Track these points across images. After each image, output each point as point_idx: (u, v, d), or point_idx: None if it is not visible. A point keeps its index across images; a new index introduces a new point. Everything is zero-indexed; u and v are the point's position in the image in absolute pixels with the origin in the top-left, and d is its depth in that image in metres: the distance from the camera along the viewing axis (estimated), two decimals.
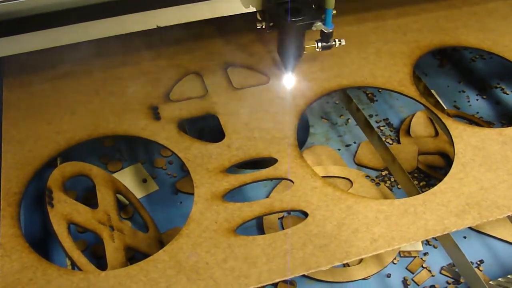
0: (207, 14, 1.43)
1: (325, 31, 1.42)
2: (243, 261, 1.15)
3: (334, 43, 1.46)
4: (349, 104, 1.62)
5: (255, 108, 1.47)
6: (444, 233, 1.21)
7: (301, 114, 1.47)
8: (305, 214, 1.24)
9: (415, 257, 1.49)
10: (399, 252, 1.50)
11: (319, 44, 1.46)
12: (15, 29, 1.29)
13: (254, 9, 1.44)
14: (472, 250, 1.50)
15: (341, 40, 1.47)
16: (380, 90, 1.92)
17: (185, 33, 1.64)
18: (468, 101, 1.93)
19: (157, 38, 1.63)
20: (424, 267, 1.47)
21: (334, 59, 1.60)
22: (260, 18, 1.45)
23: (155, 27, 1.40)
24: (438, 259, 1.49)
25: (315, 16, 1.39)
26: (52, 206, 1.25)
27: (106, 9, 1.31)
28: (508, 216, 1.27)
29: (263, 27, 1.45)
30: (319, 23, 1.40)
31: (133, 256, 1.40)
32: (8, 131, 1.40)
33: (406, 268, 1.47)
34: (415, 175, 1.67)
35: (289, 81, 1.53)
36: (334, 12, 1.38)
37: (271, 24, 1.44)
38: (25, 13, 1.25)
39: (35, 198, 1.52)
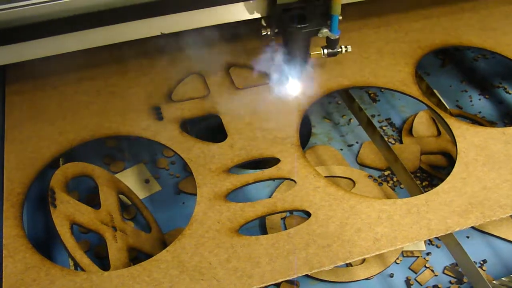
0: (212, 21, 1.42)
1: (331, 38, 1.41)
2: (246, 261, 1.15)
3: (340, 49, 1.45)
4: (351, 104, 1.62)
5: (258, 108, 1.47)
6: (447, 232, 1.21)
7: (304, 114, 1.47)
8: (308, 214, 1.24)
9: (418, 257, 1.49)
10: (402, 252, 1.49)
11: (325, 51, 1.45)
12: (19, 37, 1.29)
13: (259, 16, 1.43)
14: (475, 249, 1.49)
15: (348, 46, 1.46)
16: (382, 90, 1.92)
17: (188, 36, 1.64)
18: (471, 101, 1.92)
19: (159, 39, 1.62)
20: (427, 267, 1.47)
21: (336, 59, 1.59)
22: (265, 25, 1.43)
23: (160, 33, 1.40)
24: (441, 259, 1.49)
25: (321, 22, 1.38)
26: (55, 206, 1.25)
27: (110, 16, 1.31)
28: (511, 216, 1.27)
29: (268, 33, 1.44)
30: (325, 30, 1.39)
31: (136, 256, 1.40)
32: (10, 132, 1.40)
33: (409, 268, 1.47)
34: (418, 175, 1.67)
35: (295, 87, 1.52)
36: (340, 18, 1.37)
37: (276, 30, 1.43)
38: (29, 20, 1.25)
39: (38, 199, 1.52)
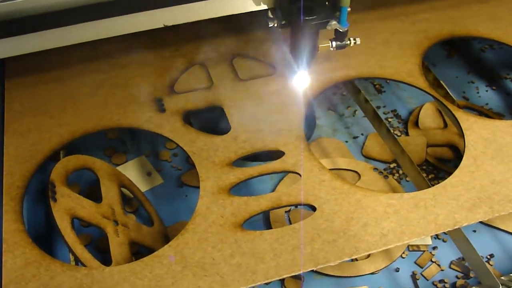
0: (217, 12, 1.38)
1: (340, 30, 1.38)
2: (250, 256, 1.13)
3: (349, 42, 1.42)
4: (357, 95, 1.60)
5: (262, 100, 1.45)
6: (455, 227, 1.19)
7: (308, 106, 1.44)
8: (313, 208, 1.22)
9: (424, 251, 1.47)
10: (408, 246, 1.47)
11: (334, 44, 1.41)
12: (19, 30, 1.26)
13: (265, 7, 1.39)
14: (482, 244, 1.47)
15: (356, 38, 1.42)
16: (388, 81, 1.90)
17: (192, 27, 1.61)
18: (478, 92, 1.90)
19: (161, 30, 1.60)
20: (433, 262, 1.45)
21: (342, 50, 1.56)
22: (271, 16, 1.40)
23: (162, 26, 1.37)
24: (447, 253, 1.47)
25: (329, 14, 1.34)
26: (55, 200, 1.23)
27: (111, 8, 1.28)
28: None
29: (275, 25, 1.40)
30: (334, 22, 1.35)
31: (138, 250, 1.38)
32: (10, 124, 1.38)
33: (415, 263, 1.45)
34: (424, 167, 1.65)
35: (301, 81, 1.49)
36: (349, 9, 1.34)
37: (283, 22, 1.39)
38: (29, 12, 1.22)
39: (38, 192, 1.51)
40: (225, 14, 1.39)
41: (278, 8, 1.37)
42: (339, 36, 1.39)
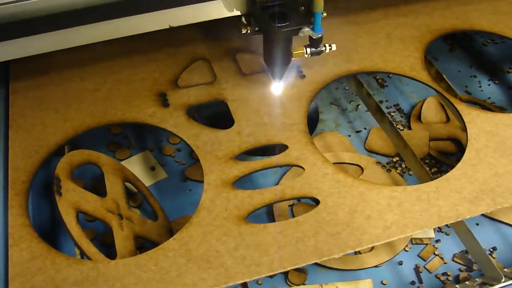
0: (214, 15, 1.38)
1: (314, 37, 1.34)
2: (255, 249, 1.13)
3: (324, 48, 1.39)
4: (359, 89, 1.60)
5: (265, 94, 1.45)
6: (458, 220, 1.19)
7: (311, 100, 1.45)
8: (317, 201, 1.23)
9: (427, 244, 1.48)
10: (411, 240, 1.48)
11: (308, 50, 1.38)
12: (24, 32, 1.26)
13: (238, 13, 1.36)
14: (485, 237, 1.47)
15: (332, 45, 1.39)
16: (390, 75, 1.90)
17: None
18: (480, 86, 1.90)
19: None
20: (436, 255, 1.45)
21: (344, 44, 1.57)
22: (245, 23, 1.36)
23: (168, 27, 1.37)
24: (450, 246, 1.47)
25: (303, 20, 1.31)
26: (60, 194, 1.24)
27: (117, 9, 1.27)
28: None
29: (248, 32, 1.36)
30: (307, 29, 1.31)
31: (142, 244, 1.39)
32: (15, 120, 1.38)
33: (418, 256, 1.45)
34: (426, 161, 1.65)
35: (277, 89, 1.47)
36: (324, 15, 1.30)
37: (256, 29, 1.35)
38: (34, 14, 1.22)
39: (43, 187, 1.51)
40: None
41: (251, 14, 1.34)
42: (313, 42, 1.36)
